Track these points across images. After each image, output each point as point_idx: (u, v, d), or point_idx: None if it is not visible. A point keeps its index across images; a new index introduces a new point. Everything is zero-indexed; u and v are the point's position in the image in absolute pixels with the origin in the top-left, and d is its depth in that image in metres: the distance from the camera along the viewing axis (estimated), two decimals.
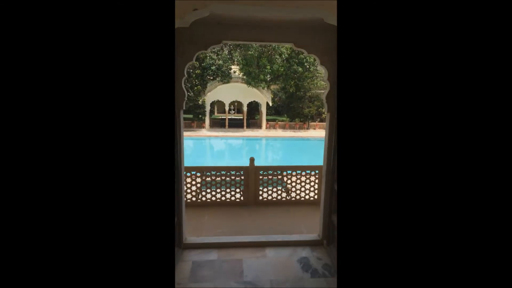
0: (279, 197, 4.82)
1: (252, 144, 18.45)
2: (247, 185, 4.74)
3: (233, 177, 4.75)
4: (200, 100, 19.45)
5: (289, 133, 19.83)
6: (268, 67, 17.44)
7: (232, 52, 21.42)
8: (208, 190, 4.76)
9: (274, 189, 4.80)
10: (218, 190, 4.75)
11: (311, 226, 3.94)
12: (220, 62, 18.98)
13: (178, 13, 2.23)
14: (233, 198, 4.78)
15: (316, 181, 4.85)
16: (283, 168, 4.89)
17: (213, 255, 3.26)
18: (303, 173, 4.83)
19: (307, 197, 4.86)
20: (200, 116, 20.59)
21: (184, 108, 3.14)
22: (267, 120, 21.26)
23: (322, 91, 20.10)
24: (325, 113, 3.39)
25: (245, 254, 3.28)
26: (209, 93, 19.52)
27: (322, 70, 3.30)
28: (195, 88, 18.80)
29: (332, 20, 2.41)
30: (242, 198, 4.78)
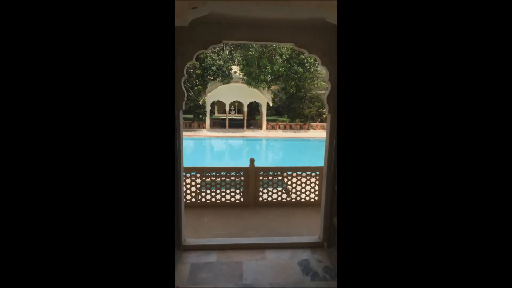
0: (279, 199, 4.78)
1: (253, 145, 18.42)
2: (247, 186, 4.70)
3: (233, 178, 4.72)
4: (201, 100, 19.43)
5: (289, 134, 19.79)
6: (269, 67, 17.41)
7: (232, 52, 21.41)
8: (208, 191, 4.72)
9: (274, 190, 4.76)
10: (218, 191, 4.71)
11: (311, 228, 3.91)
12: (221, 62, 18.95)
13: (177, 12, 2.19)
14: (233, 199, 4.74)
15: (317, 182, 4.81)
16: (283, 169, 4.85)
17: (212, 257, 3.22)
18: (304, 174, 4.79)
19: (307, 198, 4.82)
20: (200, 116, 20.57)
21: (183, 108, 3.10)
22: (268, 121, 21.24)
23: (323, 91, 20.09)
24: (326, 113, 3.35)
25: (245, 256, 3.24)
26: (209, 93, 19.50)
27: (322, 71, 3.26)
28: (196, 88, 18.78)
29: (334, 19, 2.37)
30: (242, 199, 4.74)
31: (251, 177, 4.68)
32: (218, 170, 4.74)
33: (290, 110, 21.73)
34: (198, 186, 4.71)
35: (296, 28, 3.03)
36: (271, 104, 20.94)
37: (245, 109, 20.63)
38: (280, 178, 4.81)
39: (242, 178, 4.71)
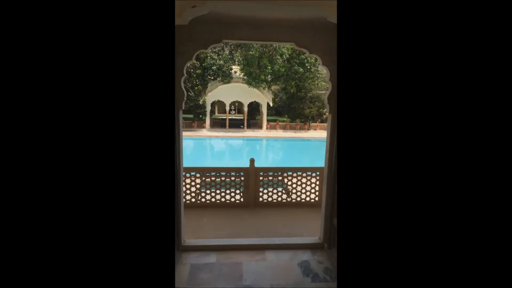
0: (279, 199, 4.76)
1: (253, 145, 18.41)
2: (247, 187, 4.68)
3: (233, 178, 4.70)
4: (201, 100, 19.41)
5: (289, 134, 19.77)
6: (269, 67, 17.39)
7: (233, 52, 21.38)
8: (208, 191, 4.70)
9: (275, 191, 4.74)
10: (218, 191, 4.69)
11: (311, 229, 3.88)
12: (221, 62, 18.94)
13: (176, 11, 2.17)
14: (233, 200, 4.72)
15: (317, 183, 4.79)
16: (283, 170, 4.83)
17: (212, 258, 3.20)
18: (304, 175, 4.77)
19: (307, 199, 4.80)
20: (200, 116, 20.56)
21: (183, 108, 3.08)
22: (268, 121, 21.22)
23: (323, 91, 20.07)
24: (327, 114, 3.33)
25: (245, 257, 3.22)
26: (209, 93, 19.49)
27: (323, 71, 3.24)
28: (196, 88, 18.77)
29: (335, 19, 2.35)
30: (242, 199, 4.72)
31: (251, 177, 4.66)
32: (218, 170, 4.72)
33: (291, 110, 21.71)
34: (198, 186, 4.69)
35: (296, 27, 3.01)
36: (271, 104, 20.92)
37: (245, 109, 20.61)
38: (280, 178, 4.78)
39: (242, 178, 4.68)
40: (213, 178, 4.68)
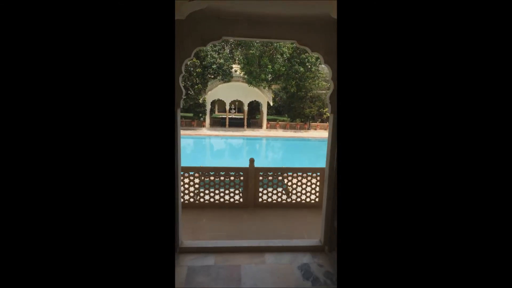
0: (279, 200, 4.69)
1: (253, 144, 18.34)
2: (247, 187, 4.61)
3: (232, 178, 4.62)
4: (201, 99, 19.34)
5: (289, 133, 19.71)
6: (270, 66, 17.31)
7: (233, 51, 21.31)
8: (207, 191, 4.63)
9: (274, 191, 4.67)
10: (217, 192, 4.62)
11: (312, 231, 3.82)
12: (221, 60, 18.87)
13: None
14: (232, 200, 4.65)
15: (318, 183, 4.71)
16: (283, 170, 4.76)
17: (210, 260, 3.13)
18: (304, 175, 4.70)
19: (308, 200, 4.73)
20: (200, 115, 20.50)
21: (181, 106, 3.00)
22: (268, 120, 21.16)
23: (324, 91, 20.04)
24: (328, 113, 3.26)
25: (244, 259, 3.14)
26: (209, 92, 19.42)
27: (324, 70, 3.17)
28: (196, 86, 18.69)
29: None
30: (241, 200, 4.65)
31: (250, 177, 4.59)
32: (217, 170, 4.65)
33: (291, 110, 21.66)
34: (197, 186, 4.62)
35: (298, 25, 2.93)
36: (271, 104, 20.87)
37: (246, 108, 20.55)
38: (280, 178, 4.71)
39: (242, 178, 4.61)
40: (212, 178, 4.61)
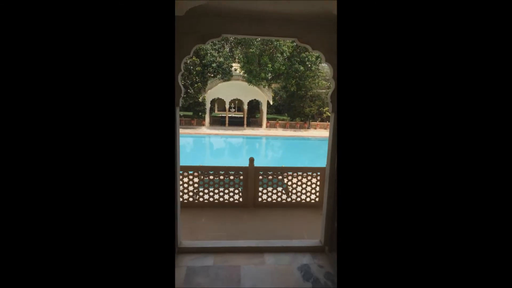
0: (279, 199, 4.66)
1: (252, 143, 18.30)
2: (246, 186, 4.57)
3: (231, 178, 4.59)
4: (200, 98, 19.29)
5: (289, 133, 19.66)
6: (269, 65, 17.26)
7: (233, 49, 21.25)
8: (206, 191, 4.59)
9: (274, 191, 4.64)
10: (216, 191, 4.58)
11: (312, 231, 3.78)
12: (221, 59, 18.81)
13: None
14: (231, 200, 4.62)
15: (318, 183, 4.68)
16: (283, 169, 4.72)
17: (209, 260, 3.09)
18: (304, 175, 4.66)
19: (308, 199, 4.69)
20: (200, 113, 20.45)
21: (180, 105, 2.96)
22: (268, 119, 21.12)
23: (324, 90, 20.00)
24: (328, 113, 3.22)
25: (243, 260, 3.11)
26: (209, 91, 19.37)
27: (324, 69, 3.12)
28: (196, 85, 18.63)
29: None
30: (241, 199, 4.62)
31: (250, 177, 4.55)
32: (216, 169, 4.61)
33: (291, 109, 21.62)
34: (196, 185, 4.58)
35: (299, 22, 2.88)
36: (271, 103, 20.82)
37: (245, 107, 20.50)
38: (280, 178, 4.67)
39: (241, 177, 4.57)
40: (211, 177, 4.57)
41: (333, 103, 3.05)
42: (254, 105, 23.18)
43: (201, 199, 4.58)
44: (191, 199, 4.55)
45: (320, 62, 18.00)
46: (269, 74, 18.22)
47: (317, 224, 3.72)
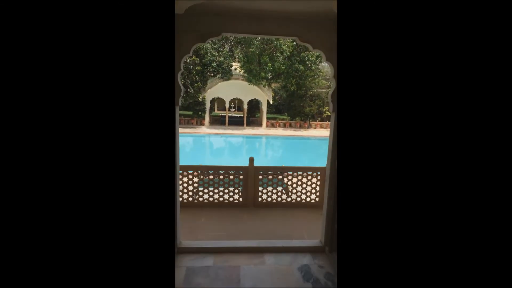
0: (279, 199, 4.64)
1: (252, 142, 18.28)
2: (246, 186, 4.55)
3: (231, 177, 4.57)
4: (200, 97, 19.26)
5: (289, 132, 19.64)
6: (270, 64, 17.22)
7: (233, 49, 21.21)
8: (206, 191, 4.58)
9: (274, 191, 4.62)
10: (216, 191, 4.57)
11: (312, 231, 3.77)
12: (221, 58, 18.77)
13: None
14: (231, 199, 4.60)
15: (318, 183, 4.66)
16: (283, 169, 4.71)
17: (208, 260, 3.08)
18: (305, 175, 4.64)
19: (308, 199, 4.68)
20: (200, 113, 20.42)
21: (180, 104, 2.94)
22: (268, 119, 21.10)
23: (324, 90, 19.97)
24: (329, 112, 3.20)
25: (243, 260, 3.09)
26: (209, 90, 19.34)
27: (324, 69, 3.10)
28: (195, 84, 18.60)
29: None
30: (240, 199, 4.60)
31: (250, 176, 4.53)
32: (216, 169, 4.59)
33: (291, 108, 21.60)
34: (196, 185, 4.56)
35: (300, 21, 2.86)
36: (271, 102, 20.80)
37: (245, 106, 20.47)
38: (280, 177, 4.66)
39: (241, 177, 4.56)
40: (211, 177, 4.55)
41: (334, 102, 3.03)
42: (254, 105, 23.16)
43: (200, 199, 4.56)
44: (190, 199, 4.53)
45: (320, 62, 17.97)
46: (269, 74, 18.19)
47: (317, 224, 3.70)
